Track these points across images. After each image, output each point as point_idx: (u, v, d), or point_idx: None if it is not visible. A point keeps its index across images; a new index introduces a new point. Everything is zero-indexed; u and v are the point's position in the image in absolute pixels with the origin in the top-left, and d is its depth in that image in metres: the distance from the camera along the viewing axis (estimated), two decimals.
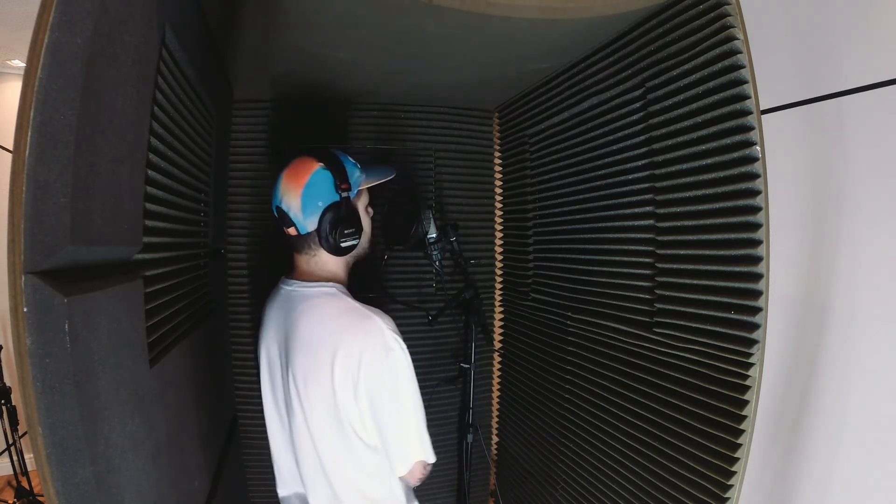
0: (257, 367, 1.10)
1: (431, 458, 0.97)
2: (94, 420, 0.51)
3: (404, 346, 0.92)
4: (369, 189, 1.08)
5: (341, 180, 0.97)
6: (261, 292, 1.62)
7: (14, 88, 2.88)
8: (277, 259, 1.62)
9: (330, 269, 1.02)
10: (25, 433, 2.33)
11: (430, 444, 0.97)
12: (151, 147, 0.72)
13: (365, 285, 1.07)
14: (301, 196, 0.94)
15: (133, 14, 0.60)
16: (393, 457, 0.94)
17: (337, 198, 0.96)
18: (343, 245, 0.97)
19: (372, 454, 0.95)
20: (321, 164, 0.97)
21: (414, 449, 0.94)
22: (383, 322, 0.91)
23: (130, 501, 0.59)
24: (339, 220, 0.96)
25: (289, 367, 0.95)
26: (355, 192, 1.00)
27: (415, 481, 1.00)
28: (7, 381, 2.37)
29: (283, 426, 1.03)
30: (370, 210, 1.09)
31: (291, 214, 0.96)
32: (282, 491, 1.10)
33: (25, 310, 0.43)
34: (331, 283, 0.99)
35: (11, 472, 2.41)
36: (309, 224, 0.96)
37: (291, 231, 0.98)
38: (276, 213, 1.00)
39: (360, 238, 1.01)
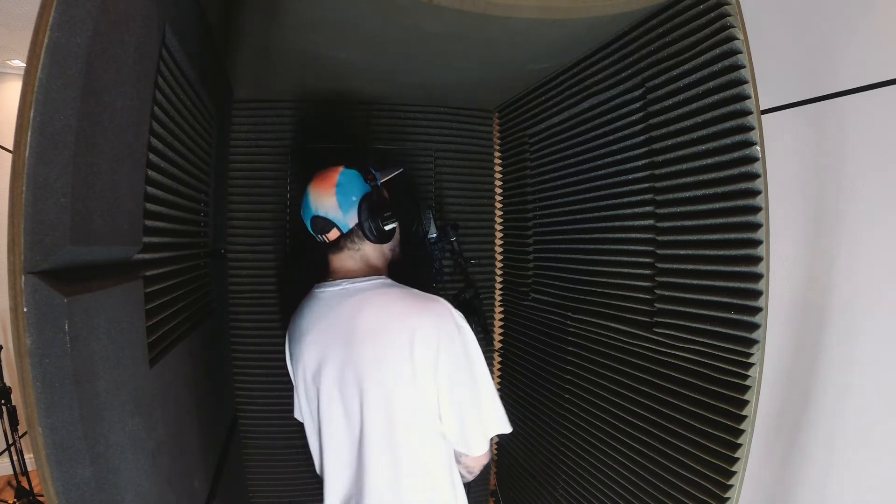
0: (294, 379, 1.06)
1: (509, 428, 0.96)
2: (94, 420, 0.51)
3: (468, 324, 0.94)
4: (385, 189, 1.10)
5: (365, 173, 1.01)
6: (261, 292, 1.63)
7: (14, 88, 2.88)
8: (279, 259, 1.63)
9: (375, 263, 1.04)
10: (25, 433, 2.33)
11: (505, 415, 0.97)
12: (151, 147, 0.72)
13: None
14: (335, 195, 0.97)
15: (133, 14, 0.60)
16: (472, 436, 0.93)
17: (368, 188, 1.00)
18: (386, 228, 1.00)
19: (441, 441, 0.94)
20: (342, 165, 1.01)
21: (492, 422, 0.94)
22: (447, 303, 0.93)
23: (130, 501, 0.59)
24: (376, 206, 0.99)
25: (351, 365, 0.92)
26: (379, 181, 1.04)
27: (479, 467, 0.99)
28: (7, 381, 2.37)
29: (342, 432, 0.97)
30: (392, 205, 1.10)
31: (331, 216, 0.98)
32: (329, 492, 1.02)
33: (25, 310, 0.43)
34: (380, 276, 1.00)
35: (11, 472, 2.41)
36: (350, 219, 0.98)
37: (333, 234, 0.99)
38: (310, 227, 1.01)
39: (397, 221, 1.03)
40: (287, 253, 1.64)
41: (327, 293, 0.99)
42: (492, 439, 0.98)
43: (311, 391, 1.01)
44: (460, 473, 1.00)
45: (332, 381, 0.96)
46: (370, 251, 1.03)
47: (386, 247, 1.06)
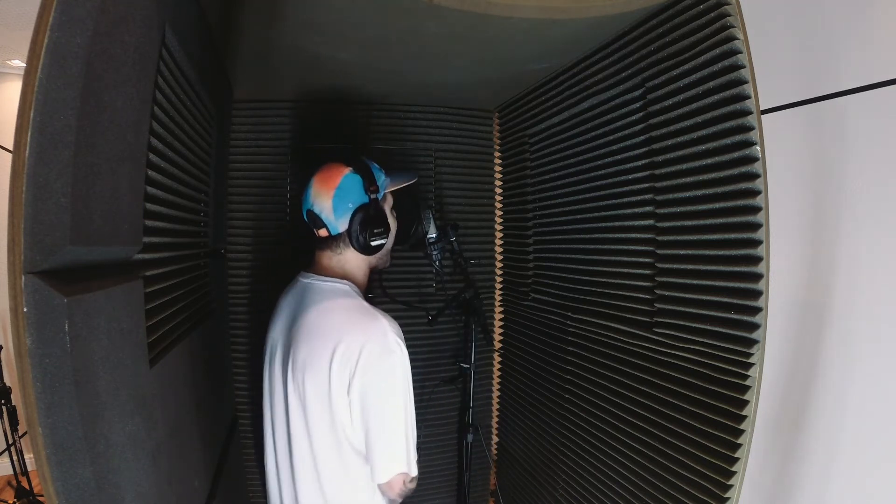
0: (262, 358, 1.11)
1: (413, 472, 0.94)
2: (94, 420, 0.51)
3: (405, 353, 0.93)
4: (392, 194, 1.12)
5: (370, 182, 1.01)
6: (261, 292, 1.63)
7: (14, 88, 2.88)
8: (279, 259, 1.63)
9: (350, 268, 1.05)
10: (25, 433, 2.33)
11: (415, 458, 0.95)
12: (151, 147, 0.72)
13: (364, 290, 1.08)
14: (332, 198, 0.98)
15: (133, 14, 0.60)
16: (375, 462, 0.92)
17: (366, 199, 1.01)
18: (373, 244, 1.01)
19: (357, 458, 0.94)
20: (350, 168, 1.01)
21: (398, 458, 0.92)
22: (389, 324, 0.93)
23: (130, 501, 0.59)
24: (368, 219, 1.00)
25: (289, 355, 0.97)
26: (381, 194, 1.04)
27: (394, 495, 0.97)
28: (7, 381, 2.37)
29: (283, 416, 1.02)
30: (394, 213, 1.13)
31: (323, 217, 1.00)
32: (273, 485, 1.08)
33: (25, 310, 0.43)
34: (346, 281, 1.02)
35: (11, 472, 2.41)
36: (340, 225, 1.00)
37: (322, 232, 1.02)
38: (306, 217, 1.04)
39: (388, 237, 1.04)
40: (287, 251, 1.64)
41: (300, 284, 1.05)
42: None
43: (265, 368, 1.08)
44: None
45: (278, 366, 1.02)
46: (351, 257, 1.05)
47: (370, 257, 1.07)
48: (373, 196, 1.01)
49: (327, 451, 0.94)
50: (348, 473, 0.95)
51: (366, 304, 0.99)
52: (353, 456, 0.94)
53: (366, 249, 1.02)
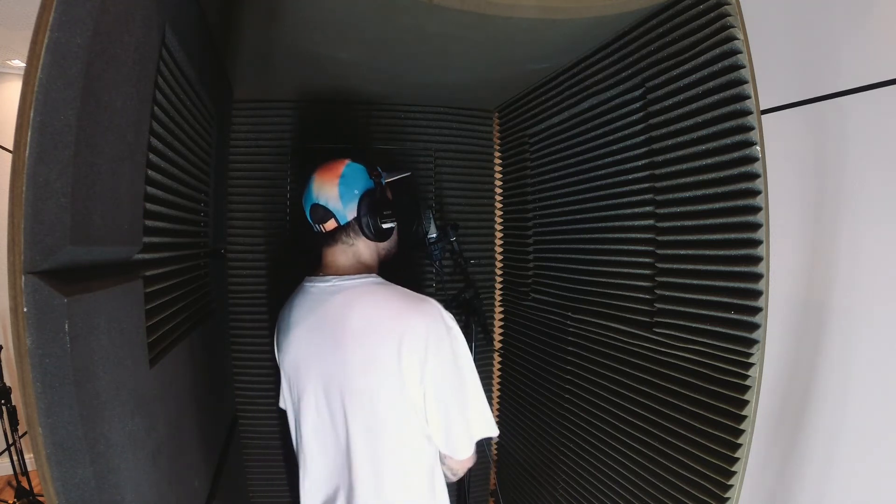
0: (284, 374, 1.05)
1: (496, 431, 0.96)
2: (94, 420, 0.51)
3: (458, 326, 0.93)
4: (390, 191, 1.10)
5: (371, 169, 1.01)
6: (261, 292, 1.63)
7: (14, 88, 2.88)
8: (279, 259, 1.63)
9: (366, 260, 1.02)
10: (25, 433, 2.33)
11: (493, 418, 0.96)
12: (151, 147, 0.72)
13: None
14: (338, 186, 0.97)
15: (133, 14, 0.60)
16: (458, 439, 0.92)
17: (371, 184, 1.00)
18: (384, 227, 0.99)
19: (427, 446, 0.94)
20: (349, 159, 1.01)
21: (479, 426, 0.93)
22: (438, 303, 0.93)
23: (130, 501, 0.59)
24: (377, 202, 0.98)
25: (336, 363, 0.92)
26: (384, 179, 1.04)
27: (464, 469, 0.99)
28: (7, 381, 2.37)
29: (325, 427, 0.98)
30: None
31: (330, 206, 0.97)
32: (309, 500, 1.03)
33: (25, 310, 0.43)
34: (372, 274, 0.99)
35: (11, 472, 2.41)
36: (349, 212, 0.97)
37: (330, 224, 0.98)
38: (309, 215, 1.01)
39: (395, 221, 1.02)
40: (287, 251, 1.64)
41: (317, 288, 0.99)
42: (480, 442, 0.97)
43: (293, 384, 1.02)
44: (444, 474, 1.00)
45: (316, 378, 0.96)
46: (363, 248, 1.02)
47: (380, 245, 1.05)
48: (377, 180, 1.00)
49: (397, 445, 0.92)
50: (416, 457, 0.94)
51: (405, 289, 0.95)
52: (423, 443, 0.94)
53: (378, 234, 0.98)
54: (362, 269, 1.01)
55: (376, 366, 0.89)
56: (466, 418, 0.92)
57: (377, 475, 0.93)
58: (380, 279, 0.99)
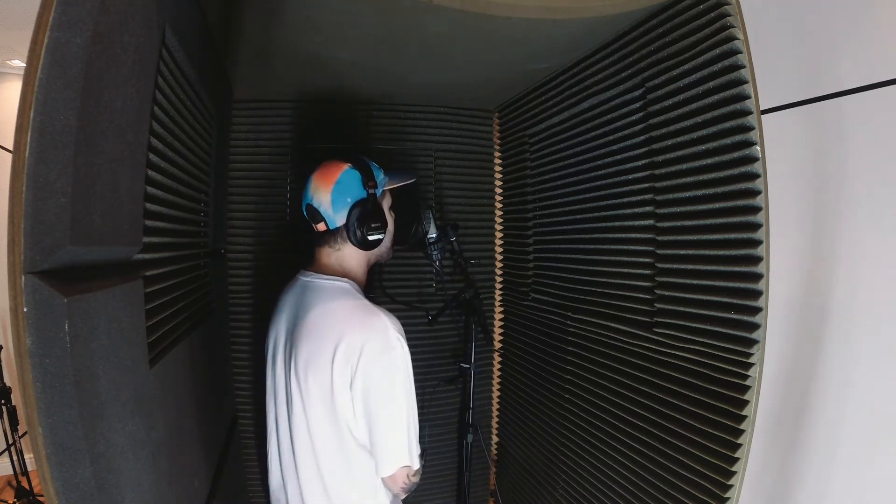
0: (264, 356, 1.11)
1: (416, 465, 0.96)
2: (94, 420, 0.51)
3: (406, 349, 0.94)
4: (391, 193, 1.13)
5: (368, 178, 1.03)
6: (261, 292, 1.63)
7: (14, 88, 2.88)
8: (279, 259, 1.63)
9: (349, 265, 1.06)
10: (25, 433, 2.33)
11: (418, 451, 0.97)
12: (151, 147, 0.72)
13: (365, 288, 1.09)
14: (331, 192, 1.00)
15: (133, 14, 0.60)
16: (379, 456, 0.94)
17: (364, 194, 1.02)
18: (370, 238, 1.02)
19: (361, 453, 0.95)
20: (349, 164, 1.03)
21: (401, 451, 0.94)
22: (389, 320, 0.94)
23: (130, 501, 0.59)
24: (366, 214, 1.01)
25: (292, 354, 0.97)
26: (380, 191, 1.05)
27: (398, 489, 0.99)
28: (7, 381, 2.37)
29: (285, 413, 1.04)
30: (392, 212, 1.13)
31: (322, 210, 1.01)
32: (275, 481, 1.10)
33: (25, 310, 0.43)
34: (346, 279, 1.03)
35: (11, 472, 2.41)
36: (338, 219, 1.01)
37: (321, 227, 1.03)
38: (305, 212, 1.05)
39: (384, 233, 1.05)
40: (287, 251, 1.64)
41: (301, 281, 1.06)
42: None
43: (268, 366, 1.09)
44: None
45: (280, 364, 1.03)
46: (349, 253, 1.05)
47: (368, 252, 1.07)
48: (371, 192, 1.02)
49: (330, 448, 0.95)
50: (351, 469, 0.96)
51: (366, 301, 0.99)
52: (357, 451, 0.95)
53: (363, 244, 1.03)
54: (340, 272, 1.05)
55: (313, 366, 0.93)
56: (389, 439, 0.93)
57: (320, 474, 0.97)
58: (349, 286, 1.02)
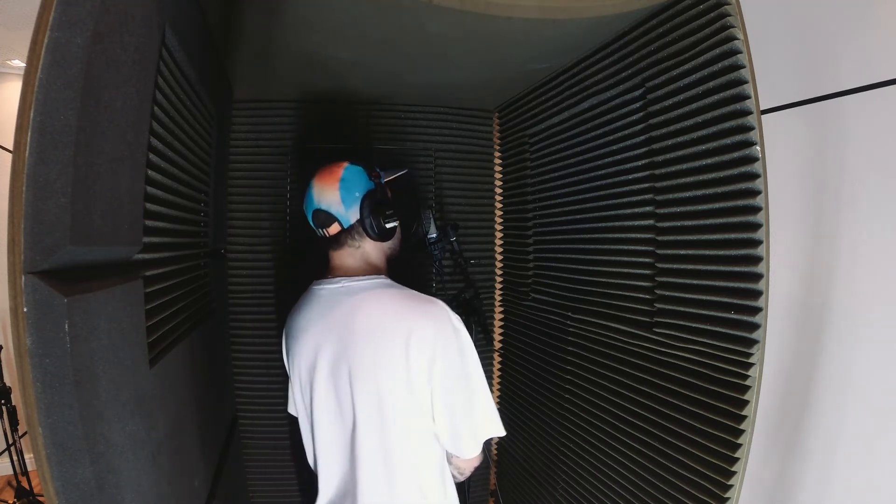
0: (293, 379, 1.05)
1: (503, 432, 0.97)
2: (94, 420, 0.51)
3: (465, 327, 0.94)
4: (390, 190, 1.11)
5: (370, 170, 1.01)
6: (261, 292, 1.63)
7: (14, 88, 2.88)
8: (279, 259, 1.63)
9: (374, 261, 1.03)
10: (25, 433, 2.33)
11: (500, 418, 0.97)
12: (151, 147, 0.72)
13: None
14: (339, 190, 0.97)
15: (133, 14, 0.60)
16: (464, 438, 0.93)
17: (372, 185, 1.00)
18: (388, 226, 1.00)
19: (435, 445, 0.95)
20: (347, 161, 1.01)
21: (485, 426, 0.94)
22: (445, 305, 0.93)
23: (130, 501, 0.59)
24: (378, 203, 0.99)
25: (345, 363, 0.92)
26: (384, 179, 1.04)
27: (470, 469, 1.00)
28: (7, 381, 2.37)
29: (337, 428, 0.98)
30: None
31: (333, 210, 0.98)
32: (322, 500, 1.03)
33: (25, 310, 0.43)
34: (380, 276, 1.00)
35: (11, 472, 2.41)
36: (351, 215, 0.98)
37: (334, 228, 0.99)
38: (312, 220, 1.01)
39: (398, 220, 1.03)
40: (287, 251, 1.64)
41: (326, 290, 0.99)
42: (486, 442, 0.97)
43: (305, 388, 1.01)
44: (452, 474, 1.00)
45: (326, 379, 0.96)
46: (370, 249, 1.02)
47: (386, 245, 1.05)
48: (376, 181, 1.01)
49: (409, 446, 0.93)
50: (429, 461, 0.95)
51: (413, 291, 0.97)
52: (434, 442, 0.95)
53: (382, 234, 1.00)
54: (371, 270, 1.01)
55: (384, 366, 0.89)
56: (473, 419, 0.93)
57: (389, 475, 0.93)
58: (388, 280, 1.00)
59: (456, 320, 0.92)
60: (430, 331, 0.89)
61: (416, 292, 0.96)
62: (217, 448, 1.21)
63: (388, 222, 1.00)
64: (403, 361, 0.88)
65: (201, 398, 1.04)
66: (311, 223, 1.02)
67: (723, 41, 0.87)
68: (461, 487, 1.56)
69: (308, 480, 1.71)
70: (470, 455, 0.94)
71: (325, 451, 1.00)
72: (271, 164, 1.63)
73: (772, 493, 1.27)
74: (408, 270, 1.76)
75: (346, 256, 1.02)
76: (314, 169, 1.03)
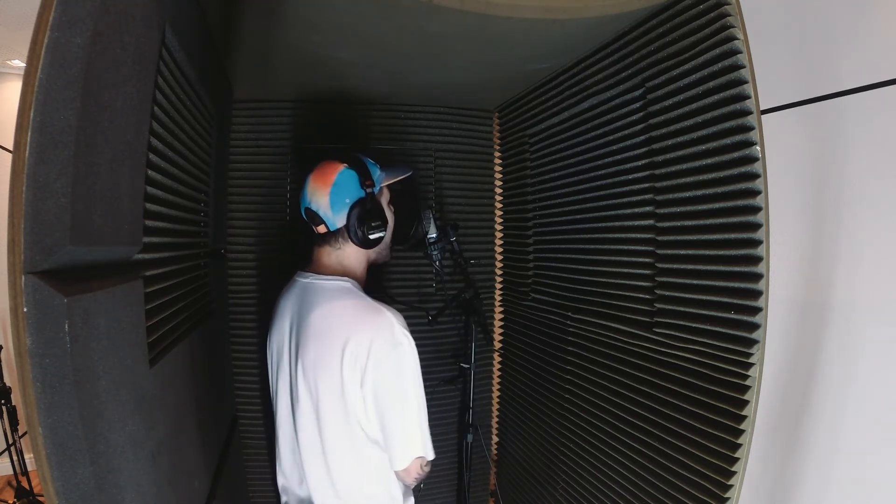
0: (265, 359, 1.12)
1: (430, 455, 0.98)
2: (94, 420, 0.51)
3: (412, 343, 0.95)
4: (390, 190, 1.13)
5: (365, 178, 1.03)
6: (261, 292, 1.63)
7: (14, 88, 2.88)
8: (279, 259, 1.63)
9: (349, 264, 1.06)
10: (25, 433, 2.33)
11: (431, 441, 0.98)
12: (151, 147, 0.72)
13: (364, 286, 1.09)
14: (329, 195, 1.00)
15: (133, 14, 0.60)
16: (393, 450, 0.95)
17: (363, 194, 1.02)
18: (371, 237, 1.02)
19: (373, 448, 0.96)
20: (345, 164, 1.03)
21: (414, 444, 0.95)
22: (393, 317, 0.95)
23: (130, 501, 0.59)
24: (365, 214, 1.01)
25: (298, 355, 0.97)
26: (378, 188, 1.05)
27: (411, 480, 1.01)
28: (7, 381, 2.37)
29: (289, 415, 1.04)
30: (391, 207, 1.13)
31: (321, 213, 1.01)
32: (281, 480, 1.11)
33: (25, 310, 0.43)
34: (346, 278, 1.03)
35: (11, 472, 2.41)
36: (338, 220, 1.01)
37: (321, 229, 1.03)
38: (304, 215, 1.05)
39: (385, 231, 1.05)
40: (287, 251, 1.64)
41: (299, 283, 1.05)
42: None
43: (273, 369, 1.09)
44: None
45: (286, 370, 1.03)
46: (351, 252, 1.05)
47: (370, 251, 1.08)
48: (368, 191, 1.02)
49: (341, 446, 0.96)
50: (363, 465, 0.97)
51: (369, 299, 1.00)
52: (369, 447, 0.96)
53: (365, 243, 1.03)
54: (340, 271, 1.04)
55: (322, 367, 0.93)
56: (403, 433, 0.95)
57: (329, 472, 0.97)
58: (350, 285, 1.02)
59: (400, 334, 0.93)
60: (366, 341, 0.91)
61: (371, 302, 0.98)
62: (217, 448, 1.21)
63: (373, 234, 1.02)
64: (338, 366, 0.91)
65: (201, 398, 1.04)
66: (304, 216, 1.06)
67: (723, 41, 0.87)
68: (461, 487, 1.56)
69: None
70: (398, 467, 0.96)
71: (281, 432, 1.08)
72: (271, 164, 1.62)
73: (772, 493, 1.27)
74: (408, 270, 1.76)
75: (324, 254, 1.05)
76: (317, 161, 1.05)
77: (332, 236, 1.04)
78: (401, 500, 1.03)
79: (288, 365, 1.02)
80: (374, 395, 0.92)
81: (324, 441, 0.96)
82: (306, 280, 1.04)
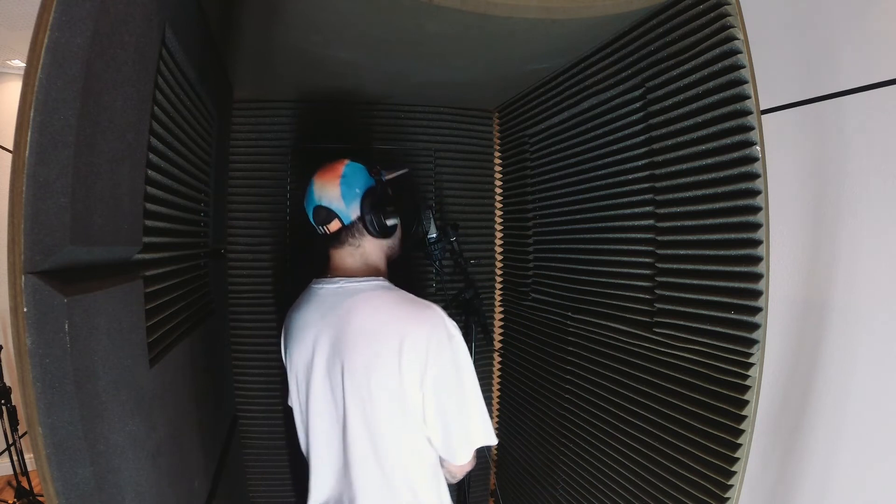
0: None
1: (494, 440, 0.96)
2: (94, 420, 0.51)
3: (461, 333, 0.94)
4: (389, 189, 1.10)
5: (370, 167, 1.01)
6: (261, 292, 1.63)
7: (14, 88, 2.88)
8: (279, 259, 1.63)
9: (374, 261, 1.03)
10: (25, 433, 2.33)
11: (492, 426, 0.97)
12: (151, 147, 0.72)
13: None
14: (339, 186, 0.97)
15: (133, 14, 0.60)
16: (457, 444, 0.93)
17: (372, 182, 1.00)
18: (388, 223, 0.99)
19: (428, 447, 0.95)
20: (348, 159, 1.01)
21: (478, 433, 0.94)
22: (441, 310, 0.93)
23: (130, 502, 0.59)
24: (379, 200, 0.99)
25: (339, 364, 0.93)
26: (384, 176, 1.04)
27: (464, 473, 1.00)
28: (7, 381, 2.37)
29: (334, 429, 0.98)
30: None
31: (333, 207, 0.97)
32: (316, 498, 1.04)
33: (25, 310, 0.43)
34: (378, 277, 1.00)
35: (11, 472, 2.41)
36: (352, 211, 0.98)
37: (334, 225, 0.98)
38: (312, 217, 1.00)
39: (398, 217, 1.03)
40: (287, 251, 1.64)
41: (325, 290, 0.99)
42: (480, 448, 0.97)
43: (301, 386, 1.02)
44: (444, 476, 1.01)
45: (322, 379, 0.97)
46: (370, 248, 1.02)
47: (386, 244, 1.05)
48: (377, 177, 1.01)
49: (399, 449, 0.94)
50: (421, 465, 0.95)
51: (410, 294, 0.97)
52: (425, 447, 0.95)
53: (382, 231, 0.99)
54: (370, 271, 1.01)
55: (376, 369, 0.89)
56: (466, 426, 0.93)
57: (382, 476, 0.94)
58: (386, 283, 0.99)
59: (451, 326, 0.92)
60: (423, 336, 0.88)
61: (413, 296, 0.96)
62: (217, 448, 1.21)
63: (389, 219, 0.99)
64: (396, 366, 0.88)
65: (201, 398, 1.04)
66: (312, 220, 1.01)
67: (723, 41, 0.87)
68: (461, 488, 1.56)
69: (301, 479, 1.71)
70: (461, 461, 0.94)
71: (318, 450, 1.01)
72: (271, 164, 1.63)
73: (772, 493, 1.27)
74: (408, 270, 1.76)
75: (345, 256, 1.01)
76: (315, 167, 1.03)
77: (346, 233, 0.99)
78: (448, 498, 1.01)
79: (326, 378, 0.96)
80: (434, 392, 0.90)
81: (377, 446, 0.92)
82: (334, 286, 0.98)
